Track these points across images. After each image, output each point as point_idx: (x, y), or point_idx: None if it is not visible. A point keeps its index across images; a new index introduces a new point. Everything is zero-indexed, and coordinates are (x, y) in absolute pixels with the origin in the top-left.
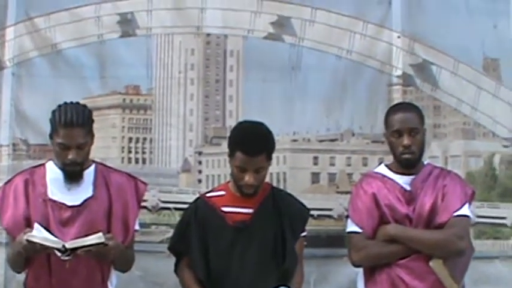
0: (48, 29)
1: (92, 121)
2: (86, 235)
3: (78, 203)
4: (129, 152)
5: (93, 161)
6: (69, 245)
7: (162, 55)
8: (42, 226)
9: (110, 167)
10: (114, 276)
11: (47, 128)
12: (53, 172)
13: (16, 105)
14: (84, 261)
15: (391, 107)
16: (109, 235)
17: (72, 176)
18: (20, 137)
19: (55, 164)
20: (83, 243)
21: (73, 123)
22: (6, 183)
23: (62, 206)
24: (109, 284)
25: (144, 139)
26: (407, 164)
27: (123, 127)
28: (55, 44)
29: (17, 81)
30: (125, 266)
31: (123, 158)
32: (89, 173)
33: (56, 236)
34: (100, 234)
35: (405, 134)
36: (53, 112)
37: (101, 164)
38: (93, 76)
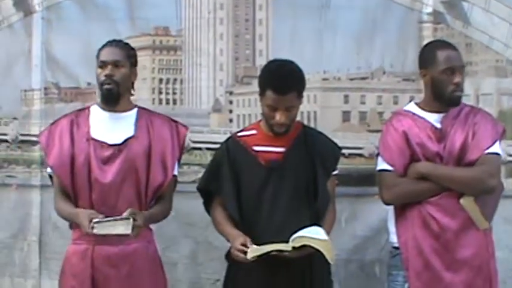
0: None
1: (134, 57)
2: (117, 215)
3: (119, 141)
4: (160, 93)
5: (136, 105)
6: (97, 230)
7: None
8: (86, 166)
9: (152, 111)
10: None
11: (77, 71)
12: (96, 113)
13: (47, 50)
14: (125, 201)
15: (432, 43)
16: (136, 212)
17: (109, 95)
18: (51, 81)
19: (99, 106)
20: (110, 232)
21: (112, 44)
22: (52, 124)
23: (103, 144)
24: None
25: (175, 80)
26: (457, 102)
27: (154, 68)
28: None
29: (47, 25)
30: (160, 220)
31: (153, 99)
32: (131, 115)
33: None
34: (129, 221)
35: (457, 71)
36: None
37: (144, 108)
38: (122, 18)
